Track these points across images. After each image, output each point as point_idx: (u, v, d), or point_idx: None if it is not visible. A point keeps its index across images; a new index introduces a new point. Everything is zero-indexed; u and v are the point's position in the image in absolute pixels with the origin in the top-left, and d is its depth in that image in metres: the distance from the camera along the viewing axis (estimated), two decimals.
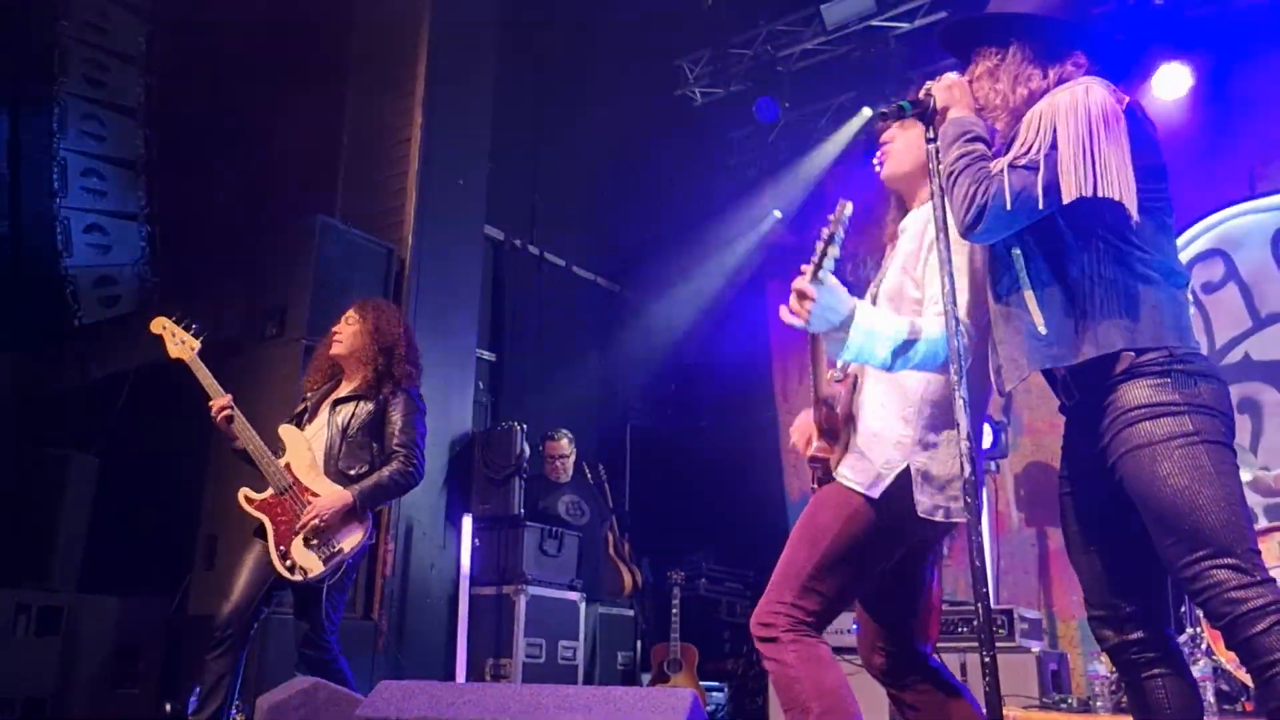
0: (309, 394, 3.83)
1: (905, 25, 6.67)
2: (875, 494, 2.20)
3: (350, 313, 3.82)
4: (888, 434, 2.25)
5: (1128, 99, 2.01)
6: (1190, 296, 2.13)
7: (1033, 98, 2.08)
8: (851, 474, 2.25)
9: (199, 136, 6.11)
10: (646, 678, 6.06)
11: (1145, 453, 1.86)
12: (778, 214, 7.69)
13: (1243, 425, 5.81)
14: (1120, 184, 1.89)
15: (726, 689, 6.37)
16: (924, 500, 2.17)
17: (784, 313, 2.14)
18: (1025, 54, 2.13)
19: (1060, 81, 2.07)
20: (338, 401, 3.72)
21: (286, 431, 3.67)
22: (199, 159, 6.17)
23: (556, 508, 6.01)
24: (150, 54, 5.65)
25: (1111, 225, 1.96)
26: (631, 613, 6.21)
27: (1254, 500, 5.28)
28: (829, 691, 2.13)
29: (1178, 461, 1.83)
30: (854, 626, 4.84)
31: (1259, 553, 1.81)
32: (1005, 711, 2.51)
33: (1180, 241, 6.21)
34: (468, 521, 5.43)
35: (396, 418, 3.67)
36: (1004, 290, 2.09)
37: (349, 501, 3.49)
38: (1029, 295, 2.02)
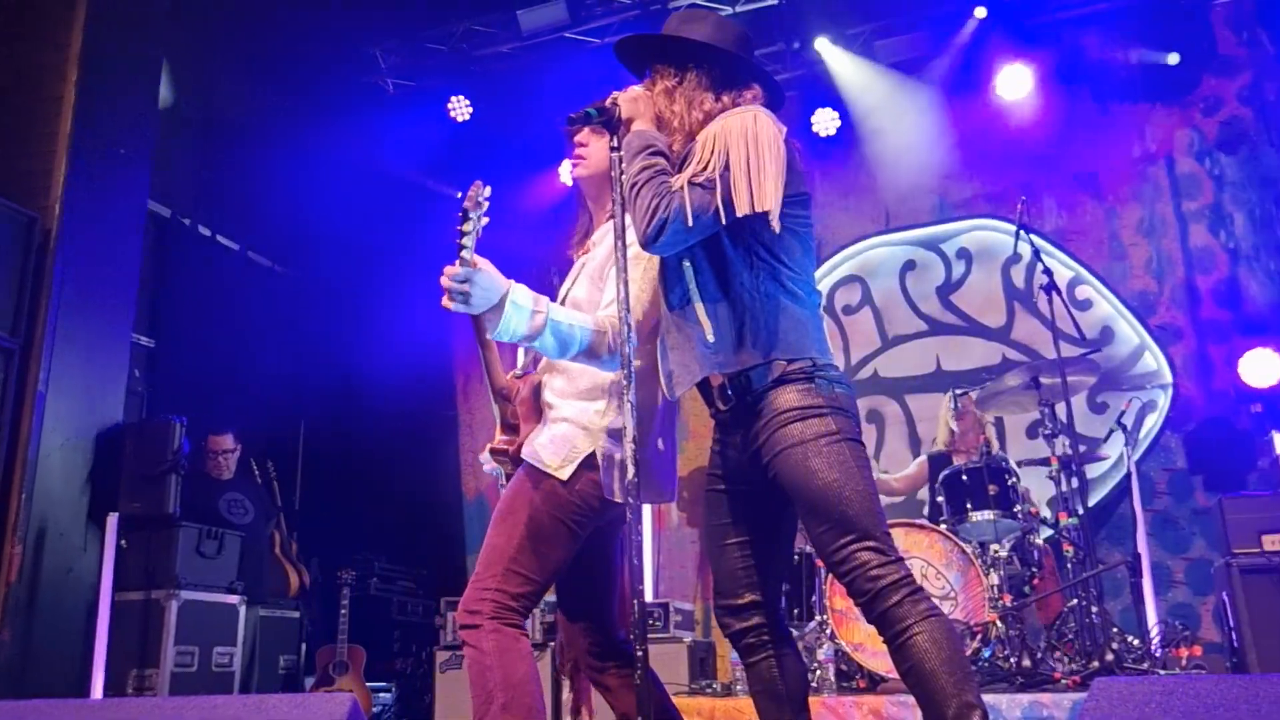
0: None
1: (596, 41, 6.92)
2: (564, 475, 2.28)
3: None
4: (577, 420, 2.35)
5: (785, 129, 2.19)
6: (825, 314, 2.38)
7: (708, 119, 2.21)
8: (542, 457, 2.32)
9: None
10: (311, 681, 5.87)
11: (798, 451, 2.05)
12: (458, 193, 7.72)
13: (869, 434, 6.57)
14: (776, 205, 2.07)
15: (394, 689, 6.30)
16: (610, 483, 2.28)
17: (445, 301, 2.17)
18: (702, 81, 2.25)
19: (733, 107, 2.22)
20: None
21: None
22: None
23: (218, 506, 5.68)
24: None
25: (769, 245, 2.14)
26: (297, 614, 5.99)
27: None
28: (516, 683, 2.19)
29: (826, 458, 2.03)
30: None
31: (890, 535, 2.07)
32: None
33: (827, 266, 6.93)
34: (113, 522, 4.98)
35: None
36: (676, 301, 2.22)
37: None
38: (699, 307, 2.15)
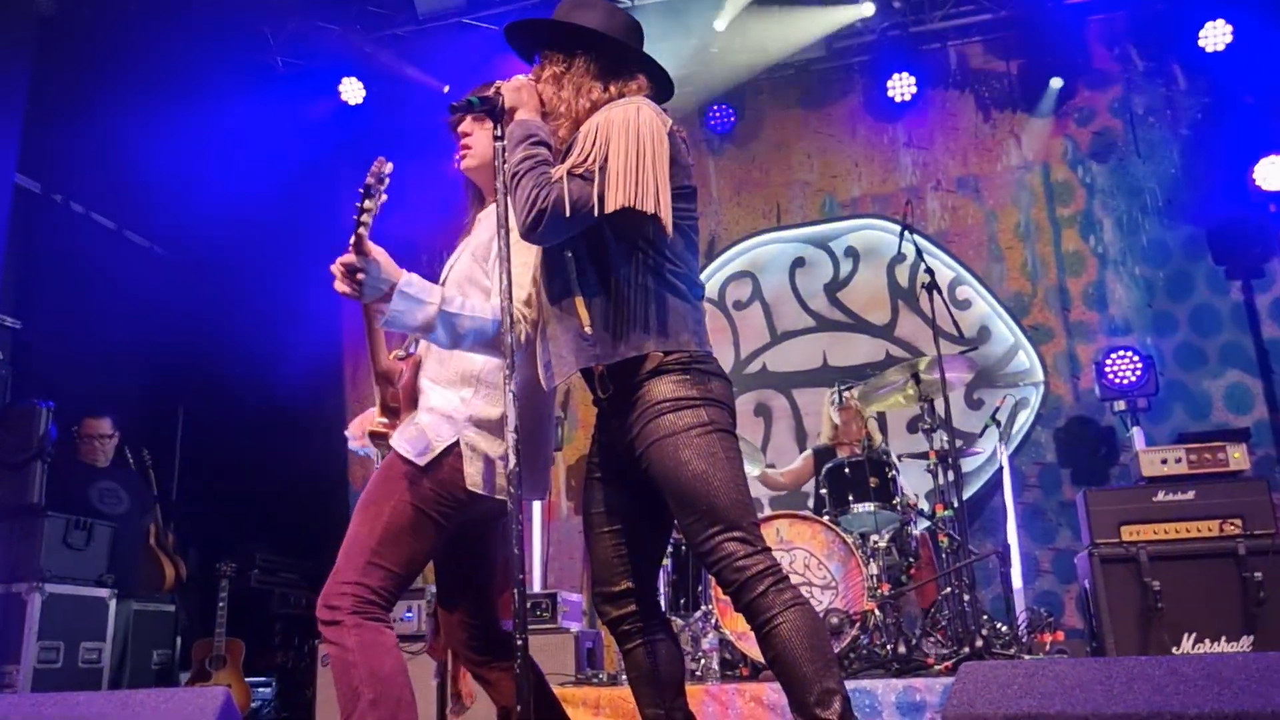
0: None
1: (494, 27, 6.85)
2: (423, 464, 2.26)
3: None
4: (443, 407, 2.32)
5: (671, 123, 2.21)
6: (706, 306, 2.39)
7: (594, 109, 2.21)
8: (406, 445, 2.29)
9: None
10: (186, 676, 5.69)
11: (669, 441, 2.08)
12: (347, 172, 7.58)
13: (757, 428, 6.69)
14: (660, 200, 2.08)
15: (275, 683, 6.15)
16: (472, 474, 2.26)
17: (337, 285, 2.17)
18: (590, 69, 2.25)
19: (619, 97, 2.23)
20: None
21: None
22: None
23: (89, 495, 5.45)
24: None
25: (650, 238, 2.16)
26: (172, 608, 5.79)
27: (761, 492, 6.09)
28: (383, 677, 2.16)
29: (696, 448, 2.07)
30: (408, 614, 4.93)
31: (759, 526, 2.12)
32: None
33: (719, 261, 7.02)
34: None
35: None
36: (556, 291, 2.22)
37: None
38: (578, 299, 2.16)
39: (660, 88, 2.36)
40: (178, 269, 7.49)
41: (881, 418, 6.27)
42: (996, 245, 6.62)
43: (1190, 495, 4.57)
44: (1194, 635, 4.34)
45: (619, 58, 2.29)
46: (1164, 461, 4.69)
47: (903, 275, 6.72)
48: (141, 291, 7.14)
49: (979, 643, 4.12)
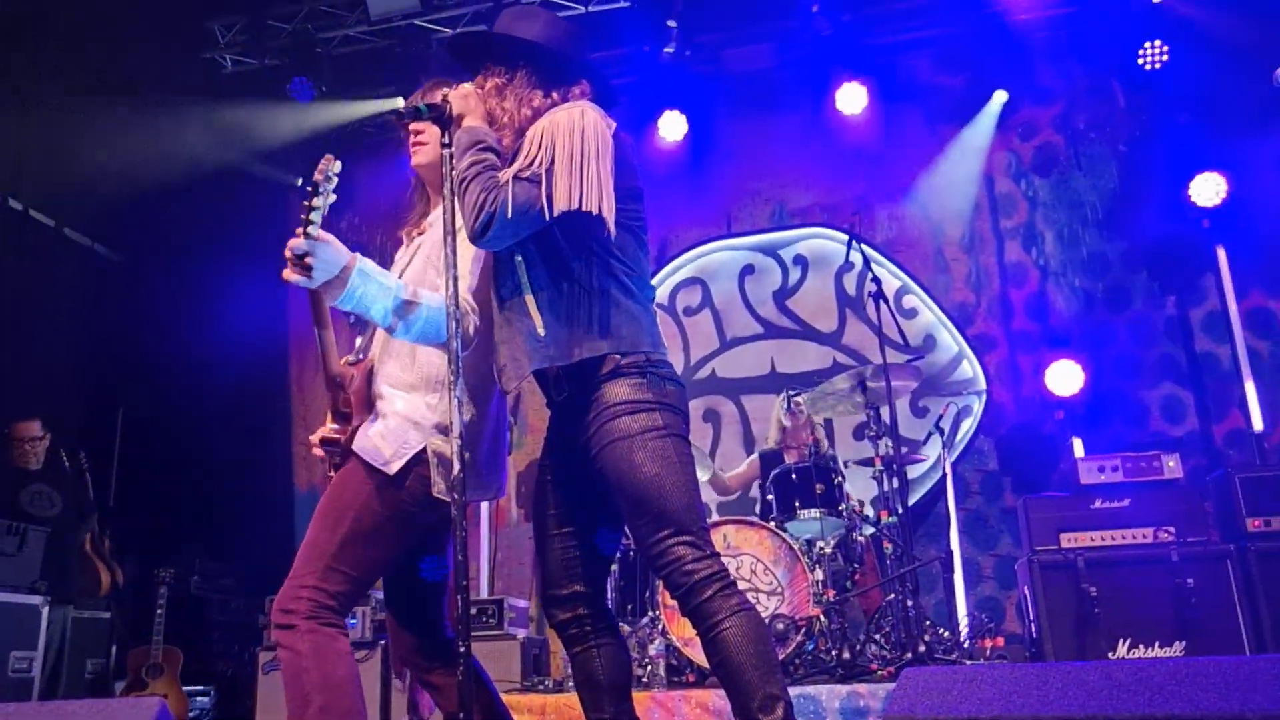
0: None
1: (447, 30, 6.82)
2: (391, 471, 2.24)
3: None
4: (409, 414, 2.31)
5: (615, 124, 2.23)
6: (656, 312, 2.40)
7: (536, 115, 2.23)
8: (371, 451, 2.28)
9: None
10: (122, 686, 5.56)
11: (624, 444, 2.09)
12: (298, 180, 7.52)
13: (706, 433, 6.73)
14: (604, 201, 2.10)
15: (214, 693, 6.04)
16: (439, 481, 2.25)
17: (284, 273, 2.13)
18: (531, 79, 2.28)
19: (562, 102, 2.25)
20: None
21: None
22: None
23: (19, 499, 5.32)
24: None
25: (601, 240, 2.17)
26: (108, 615, 5.67)
27: (710, 497, 6.12)
28: (334, 685, 2.14)
29: (650, 452, 2.08)
30: (351, 621, 4.87)
31: (709, 531, 2.14)
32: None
33: (670, 268, 7.05)
34: None
35: None
36: (507, 294, 2.23)
37: None
38: (530, 300, 2.17)
39: (603, 93, 2.38)
40: (118, 268, 7.35)
41: (828, 424, 6.33)
42: (942, 256, 6.72)
43: (1126, 503, 4.67)
44: (1129, 640, 4.44)
45: (560, 66, 2.31)
46: (1101, 470, 4.79)
47: (850, 284, 6.80)
48: (81, 290, 7.00)
49: (921, 648, 4.17)
